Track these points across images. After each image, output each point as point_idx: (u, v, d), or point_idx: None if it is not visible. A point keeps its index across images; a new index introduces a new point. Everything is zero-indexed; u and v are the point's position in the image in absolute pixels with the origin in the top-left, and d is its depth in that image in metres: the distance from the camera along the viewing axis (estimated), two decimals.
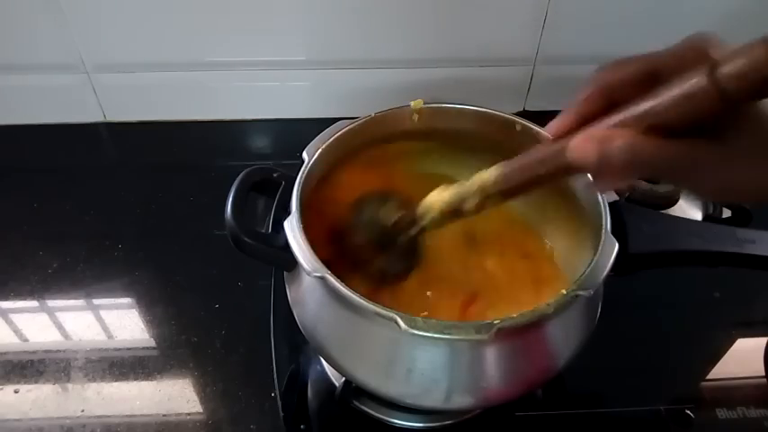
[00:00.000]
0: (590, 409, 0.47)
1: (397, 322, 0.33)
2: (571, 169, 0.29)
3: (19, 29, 0.63)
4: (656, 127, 0.26)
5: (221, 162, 0.67)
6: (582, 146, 0.27)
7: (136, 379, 0.49)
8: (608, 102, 0.29)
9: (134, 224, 0.61)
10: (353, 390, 0.45)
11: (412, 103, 0.48)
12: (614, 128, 0.27)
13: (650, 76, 0.27)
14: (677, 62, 0.26)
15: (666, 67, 0.27)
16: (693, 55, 0.26)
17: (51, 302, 0.54)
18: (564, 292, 0.36)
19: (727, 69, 0.23)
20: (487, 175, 0.35)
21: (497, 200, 0.35)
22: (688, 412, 0.46)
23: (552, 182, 0.34)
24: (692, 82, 0.24)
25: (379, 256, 0.44)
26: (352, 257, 0.44)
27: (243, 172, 0.43)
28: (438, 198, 0.38)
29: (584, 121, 0.29)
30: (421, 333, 0.33)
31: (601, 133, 0.27)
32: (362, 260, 0.44)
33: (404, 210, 0.43)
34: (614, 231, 0.39)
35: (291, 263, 0.40)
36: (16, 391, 0.48)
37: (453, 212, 0.37)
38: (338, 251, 0.44)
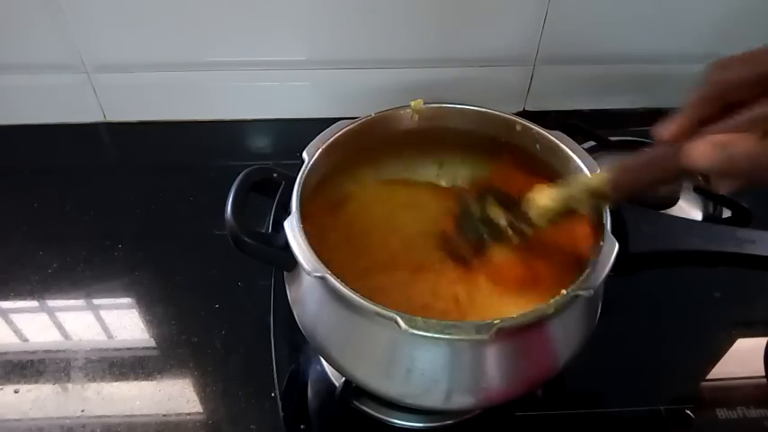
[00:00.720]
0: (590, 409, 0.47)
1: (397, 322, 0.33)
2: (687, 173, 0.29)
3: (19, 29, 0.63)
4: None
5: (221, 162, 0.67)
6: (703, 152, 0.27)
7: (136, 379, 0.49)
8: (723, 103, 0.28)
9: (134, 224, 0.61)
10: (353, 390, 0.45)
11: (412, 103, 0.48)
12: (734, 132, 0.27)
13: (766, 76, 0.27)
14: None
15: None
16: None
17: (51, 302, 0.54)
18: (564, 292, 0.36)
19: None
20: (599, 177, 0.35)
21: (608, 201, 0.36)
22: (688, 412, 0.46)
23: (665, 184, 0.33)
24: None
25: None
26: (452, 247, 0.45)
27: (243, 172, 0.43)
28: (551, 199, 0.39)
29: (700, 123, 0.29)
30: (421, 333, 0.33)
31: (722, 139, 0.27)
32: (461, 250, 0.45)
33: (507, 207, 0.43)
34: (614, 231, 0.39)
35: (291, 263, 0.40)
36: (16, 391, 0.48)
37: (565, 212, 0.38)
38: (341, 251, 0.44)
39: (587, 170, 0.42)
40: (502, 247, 0.43)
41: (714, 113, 0.28)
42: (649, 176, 0.32)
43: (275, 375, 0.48)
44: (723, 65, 0.28)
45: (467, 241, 0.45)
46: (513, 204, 0.43)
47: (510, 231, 0.43)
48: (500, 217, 0.44)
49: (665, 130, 0.30)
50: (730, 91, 0.28)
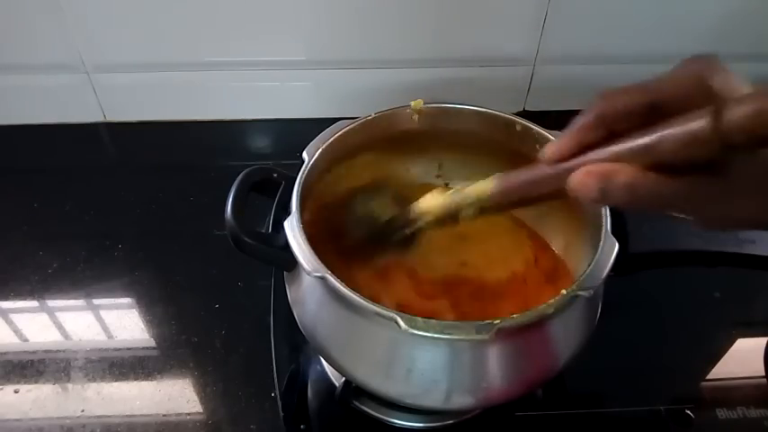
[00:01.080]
0: (590, 409, 0.47)
1: (397, 322, 0.33)
2: (568, 194, 0.29)
3: (19, 29, 0.63)
4: (656, 164, 0.26)
5: (221, 162, 0.67)
6: (583, 181, 0.28)
7: (136, 379, 0.49)
8: (607, 131, 0.28)
9: (134, 224, 0.61)
10: (353, 390, 0.45)
11: (412, 103, 0.48)
12: (614, 162, 0.27)
13: (651, 107, 0.27)
14: (678, 94, 0.26)
15: (667, 99, 0.26)
16: (695, 85, 0.26)
17: (51, 302, 0.54)
18: (564, 292, 0.36)
19: (731, 118, 0.23)
20: (484, 187, 0.35)
21: (492, 212, 0.36)
22: (688, 412, 0.46)
23: (548, 201, 0.34)
24: (694, 126, 0.24)
25: (373, 247, 0.45)
26: (348, 248, 0.44)
27: (243, 172, 0.43)
28: (434, 203, 0.39)
29: (583, 147, 0.29)
30: (421, 333, 0.33)
31: (602, 169, 0.27)
32: (358, 250, 0.45)
33: (397, 207, 0.43)
34: (614, 231, 0.39)
35: (291, 263, 0.40)
36: (16, 391, 0.48)
37: (448, 218, 0.38)
38: (338, 248, 0.44)
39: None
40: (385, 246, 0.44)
41: (598, 140, 0.29)
42: (530, 193, 0.33)
43: (275, 375, 0.48)
44: (608, 94, 0.29)
45: (354, 236, 0.45)
46: (401, 205, 0.43)
47: (394, 231, 0.43)
48: (383, 214, 0.44)
49: (548, 152, 0.31)
50: (614, 120, 0.28)
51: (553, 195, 0.31)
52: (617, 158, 0.27)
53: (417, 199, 0.41)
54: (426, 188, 0.53)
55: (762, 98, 0.22)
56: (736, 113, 0.23)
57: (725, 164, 0.25)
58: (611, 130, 0.28)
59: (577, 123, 0.29)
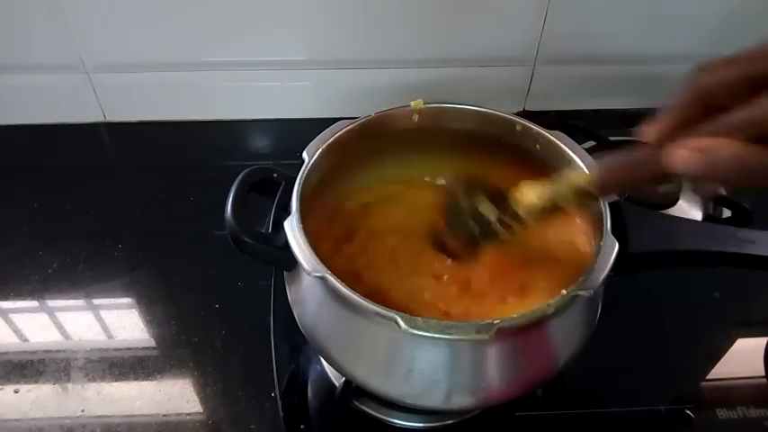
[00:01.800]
0: (590, 409, 0.47)
1: (397, 322, 0.33)
2: (670, 175, 0.29)
3: (19, 29, 0.63)
4: (759, 136, 0.25)
5: (221, 162, 0.67)
6: (686, 156, 0.27)
7: (136, 379, 0.49)
8: (706, 106, 0.28)
9: (134, 224, 0.61)
10: (353, 390, 0.45)
11: (412, 103, 0.48)
12: (716, 137, 0.27)
13: (750, 79, 0.26)
14: None
15: (766, 70, 0.26)
16: None
17: (51, 302, 0.54)
18: (564, 292, 0.36)
19: None
20: (584, 176, 0.35)
21: (592, 198, 0.36)
22: (688, 412, 0.46)
23: (646, 185, 0.34)
24: None
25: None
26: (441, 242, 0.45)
27: (243, 172, 0.43)
28: (536, 196, 0.39)
29: (682, 125, 0.29)
30: (421, 333, 0.33)
31: (705, 143, 0.27)
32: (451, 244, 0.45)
33: (496, 203, 0.43)
34: (614, 231, 0.39)
35: (291, 263, 0.40)
36: (16, 391, 0.48)
37: (550, 208, 0.38)
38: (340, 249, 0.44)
39: (587, 171, 0.42)
40: (492, 244, 0.43)
41: (697, 116, 0.28)
42: (633, 177, 0.33)
43: (275, 375, 0.48)
44: (706, 68, 0.28)
45: (456, 236, 0.44)
46: (501, 199, 0.42)
47: (499, 227, 0.42)
48: (489, 212, 0.43)
49: (648, 132, 0.30)
50: (712, 94, 0.28)
51: (656, 178, 0.31)
52: (720, 133, 0.27)
53: (506, 194, 0.41)
54: (428, 187, 0.53)
55: None
56: None
57: None
58: (710, 105, 0.28)
59: (675, 101, 0.29)
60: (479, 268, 0.45)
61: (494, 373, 0.37)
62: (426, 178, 0.54)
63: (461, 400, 0.39)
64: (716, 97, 0.27)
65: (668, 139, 0.29)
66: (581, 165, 0.43)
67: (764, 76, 0.26)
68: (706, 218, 0.58)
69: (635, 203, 0.46)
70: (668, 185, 0.58)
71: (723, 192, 0.57)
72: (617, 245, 0.38)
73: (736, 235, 0.44)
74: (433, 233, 0.46)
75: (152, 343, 0.51)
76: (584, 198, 0.36)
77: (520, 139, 0.47)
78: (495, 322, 0.33)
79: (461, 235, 0.44)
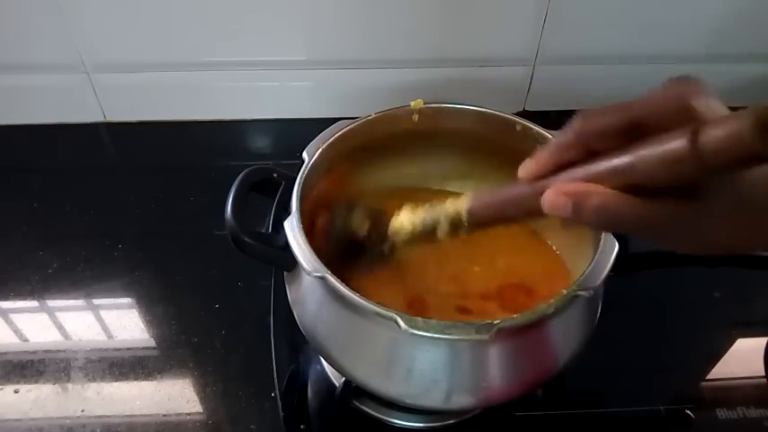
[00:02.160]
0: (590, 409, 0.47)
1: (397, 322, 0.33)
2: (543, 215, 0.29)
3: (19, 29, 0.63)
4: (631, 186, 0.25)
5: (221, 162, 0.67)
6: (556, 200, 0.28)
7: (136, 379, 0.49)
8: (585, 150, 0.28)
9: (134, 224, 0.61)
10: (353, 390, 0.45)
11: (412, 103, 0.48)
12: (588, 181, 0.27)
13: (631, 127, 0.26)
14: (659, 114, 0.26)
15: (648, 119, 0.26)
16: (676, 107, 0.25)
17: (51, 302, 0.54)
18: (564, 292, 0.36)
19: (709, 139, 0.22)
20: (457, 206, 0.35)
21: (468, 230, 0.35)
22: (688, 412, 0.46)
23: (523, 221, 0.34)
24: (672, 146, 0.24)
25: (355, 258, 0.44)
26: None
27: (243, 172, 0.43)
28: (407, 221, 0.39)
29: (560, 166, 0.29)
30: (421, 333, 0.33)
31: (575, 189, 0.27)
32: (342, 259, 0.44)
33: (374, 221, 0.43)
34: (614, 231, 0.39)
35: (291, 263, 0.40)
36: (16, 391, 0.48)
37: (423, 235, 0.38)
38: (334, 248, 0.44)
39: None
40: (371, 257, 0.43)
41: (577, 159, 0.28)
42: (506, 212, 0.33)
43: (275, 375, 0.48)
44: (587, 114, 0.28)
45: (331, 247, 0.44)
46: (379, 220, 0.42)
47: (372, 246, 0.42)
48: (361, 229, 0.43)
49: (526, 168, 0.30)
50: (593, 139, 0.28)
51: (531, 214, 0.31)
52: (593, 178, 0.27)
53: (392, 213, 0.40)
54: (428, 187, 0.53)
55: (739, 120, 0.22)
56: (713, 135, 0.22)
57: (701, 187, 0.25)
58: (589, 150, 0.28)
59: (555, 142, 0.29)
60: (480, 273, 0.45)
61: (494, 374, 0.37)
62: (426, 178, 0.54)
63: (461, 400, 0.39)
64: (595, 142, 0.28)
65: (543, 178, 0.29)
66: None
67: (642, 124, 0.26)
68: None
69: None
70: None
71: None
72: (617, 245, 0.38)
73: None
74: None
75: (152, 343, 0.51)
76: (457, 228, 0.35)
77: (520, 139, 0.47)
78: (495, 322, 0.33)
79: (335, 246, 0.44)
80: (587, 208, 0.26)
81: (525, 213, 0.31)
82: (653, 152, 0.24)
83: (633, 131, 0.26)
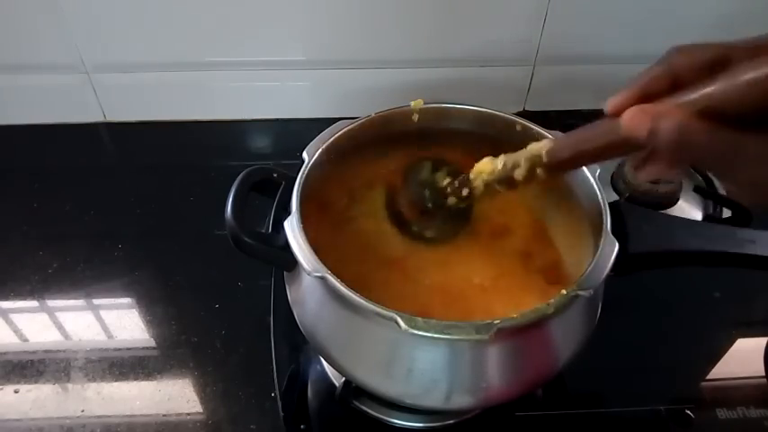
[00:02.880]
0: (590, 409, 0.47)
1: (397, 322, 0.33)
2: (622, 146, 0.29)
3: (19, 29, 0.63)
4: (710, 111, 0.25)
5: (221, 162, 0.67)
6: (634, 118, 0.27)
7: (136, 379, 0.49)
8: (672, 83, 0.28)
9: (134, 224, 0.61)
10: (353, 390, 0.45)
11: (412, 103, 0.48)
12: (670, 106, 0.27)
13: (721, 63, 0.26)
14: (752, 52, 0.26)
15: (739, 56, 0.26)
16: (762, 44, 0.25)
17: (51, 302, 0.54)
18: (564, 292, 0.36)
19: None
20: (538, 147, 0.35)
21: (547, 172, 0.35)
22: (688, 412, 0.46)
23: (604, 158, 0.33)
24: (758, 70, 0.24)
25: (427, 216, 0.46)
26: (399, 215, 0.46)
27: (243, 172, 0.43)
28: (489, 164, 0.39)
29: (645, 99, 0.28)
30: (421, 333, 0.33)
31: (654, 109, 0.27)
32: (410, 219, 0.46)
33: (453, 175, 0.44)
34: (614, 231, 0.39)
35: (291, 263, 0.40)
36: (16, 391, 0.48)
37: (503, 180, 0.38)
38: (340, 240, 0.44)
39: (587, 171, 0.43)
40: (441, 213, 0.45)
41: (662, 91, 0.28)
42: (589, 148, 0.32)
43: (275, 375, 0.48)
44: (684, 48, 0.28)
45: (409, 203, 0.46)
46: (458, 172, 0.44)
47: (451, 193, 0.44)
48: (442, 180, 0.45)
49: (612, 102, 0.30)
50: (682, 72, 0.28)
51: (611, 148, 0.31)
52: (674, 106, 0.26)
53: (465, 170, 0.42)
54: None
55: None
56: None
57: None
58: (676, 83, 0.28)
59: (644, 73, 0.29)
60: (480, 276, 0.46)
61: (494, 373, 0.37)
62: (426, 179, 0.54)
63: (461, 400, 0.39)
64: (683, 75, 0.27)
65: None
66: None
67: (731, 60, 0.26)
68: (706, 218, 0.58)
69: (635, 203, 0.46)
70: (668, 185, 0.57)
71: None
72: (617, 245, 0.38)
73: (736, 235, 0.44)
74: (390, 202, 0.48)
75: (152, 343, 0.51)
76: (540, 169, 0.35)
77: (520, 140, 0.47)
78: (495, 322, 0.33)
79: (415, 202, 0.46)
80: (665, 128, 0.26)
81: (605, 147, 0.31)
82: (737, 77, 0.24)
83: (723, 65, 0.26)
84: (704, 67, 0.27)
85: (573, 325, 0.40)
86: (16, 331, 0.52)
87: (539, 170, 0.35)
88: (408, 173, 0.48)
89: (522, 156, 0.36)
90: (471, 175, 0.41)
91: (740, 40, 0.27)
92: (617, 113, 0.29)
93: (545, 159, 0.34)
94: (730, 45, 0.27)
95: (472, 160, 0.41)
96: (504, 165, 0.38)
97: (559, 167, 0.35)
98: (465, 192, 0.42)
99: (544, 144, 0.35)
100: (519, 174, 0.36)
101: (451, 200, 0.44)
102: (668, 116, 0.26)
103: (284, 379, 0.48)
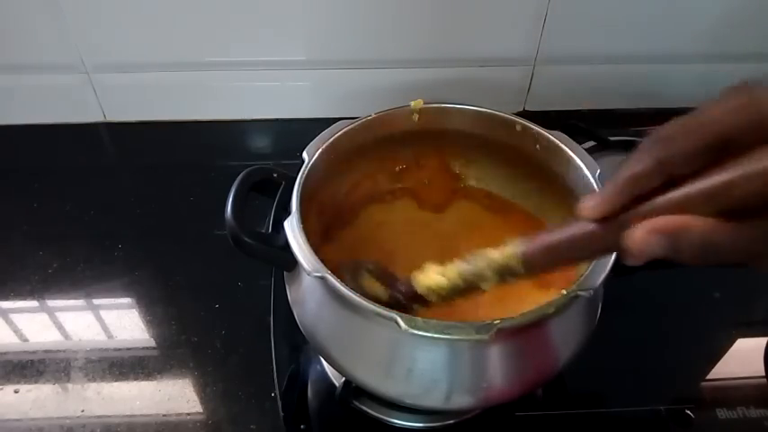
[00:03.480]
0: (590, 409, 0.47)
1: (397, 322, 0.33)
2: (612, 251, 0.27)
3: (19, 29, 0.63)
4: (728, 210, 0.23)
5: (221, 162, 0.67)
6: (647, 239, 0.24)
7: (136, 379, 0.49)
8: (666, 178, 0.24)
9: (134, 224, 0.61)
10: (353, 390, 0.45)
11: (412, 103, 0.48)
12: (677, 212, 0.24)
13: (719, 147, 0.23)
14: (745, 128, 0.22)
15: (736, 134, 0.23)
16: (757, 119, 0.22)
17: (51, 302, 0.54)
18: (564, 292, 0.36)
19: None
20: (506, 253, 0.32)
21: (521, 277, 0.32)
22: (688, 412, 0.46)
23: (586, 261, 0.31)
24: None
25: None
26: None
27: (243, 172, 0.43)
28: (436, 277, 0.35)
29: (633, 200, 0.25)
30: (421, 333, 0.33)
31: (669, 224, 0.24)
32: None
33: (386, 282, 0.40)
34: None
35: (291, 263, 0.40)
36: (16, 391, 0.48)
37: (465, 290, 0.35)
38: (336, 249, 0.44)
39: (587, 171, 0.42)
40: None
41: (654, 189, 0.25)
42: (569, 255, 0.29)
43: (275, 375, 0.48)
44: (664, 137, 0.24)
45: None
46: (392, 280, 0.39)
47: (401, 303, 0.38)
48: (377, 291, 0.40)
49: (589, 207, 0.26)
50: (673, 166, 0.24)
51: (605, 252, 0.28)
52: (680, 209, 0.24)
53: (402, 271, 0.38)
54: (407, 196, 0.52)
55: None
56: None
57: None
58: (670, 177, 0.24)
59: (628, 172, 0.25)
60: None
61: (494, 374, 0.37)
62: (426, 179, 0.54)
63: (461, 400, 0.39)
64: (680, 167, 0.24)
65: (613, 216, 0.26)
66: (581, 165, 0.43)
67: (728, 139, 0.23)
68: None
69: None
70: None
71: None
72: None
73: None
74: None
75: (152, 343, 0.51)
76: (507, 276, 0.32)
77: (520, 139, 0.47)
78: (495, 322, 0.33)
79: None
80: (689, 243, 0.23)
81: (597, 253, 0.28)
82: (751, 170, 0.22)
83: (714, 149, 0.23)
84: (698, 154, 0.23)
85: (573, 325, 0.40)
86: (16, 331, 0.52)
87: (512, 276, 0.32)
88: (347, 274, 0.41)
89: (485, 265, 0.33)
90: (420, 291, 0.36)
91: (720, 113, 0.23)
92: (596, 218, 0.26)
93: (520, 266, 0.31)
94: (721, 125, 0.23)
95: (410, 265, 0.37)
96: (463, 277, 0.34)
97: (536, 271, 0.32)
98: (417, 305, 0.38)
99: (513, 249, 0.31)
100: (486, 285, 0.33)
101: (406, 307, 0.38)
102: (688, 230, 0.23)
103: (284, 379, 0.48)
